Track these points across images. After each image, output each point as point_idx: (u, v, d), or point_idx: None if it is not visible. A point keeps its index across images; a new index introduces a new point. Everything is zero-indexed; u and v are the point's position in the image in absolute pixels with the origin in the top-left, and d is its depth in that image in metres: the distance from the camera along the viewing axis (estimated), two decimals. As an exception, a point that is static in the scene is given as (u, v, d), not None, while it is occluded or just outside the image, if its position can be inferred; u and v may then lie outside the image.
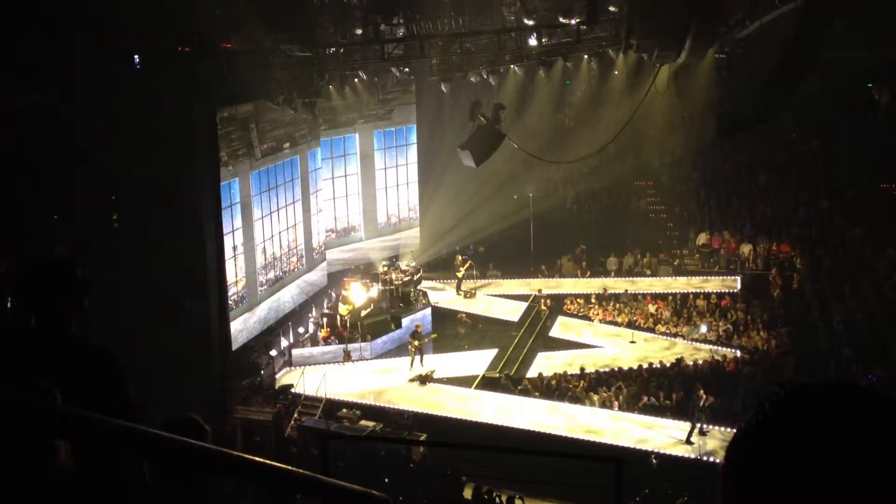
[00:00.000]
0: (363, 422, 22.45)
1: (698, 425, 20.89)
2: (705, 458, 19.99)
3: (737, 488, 1.15)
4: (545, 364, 25.92)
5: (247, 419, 22.80)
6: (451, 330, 28.24)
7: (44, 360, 3.48)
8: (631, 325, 28.21)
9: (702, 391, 21.36)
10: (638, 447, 20.46)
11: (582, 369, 24.68)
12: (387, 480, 18.56)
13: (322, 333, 27.10)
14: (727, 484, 1.16)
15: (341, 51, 25.13)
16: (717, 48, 21.41)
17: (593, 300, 29.85)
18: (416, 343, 25.54)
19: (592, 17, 22.34)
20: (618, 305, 29.34)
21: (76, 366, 3.51)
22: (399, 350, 26.73)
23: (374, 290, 28.07)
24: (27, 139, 17.55)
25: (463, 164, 25.15)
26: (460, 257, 31.65)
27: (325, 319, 27.67)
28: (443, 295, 31.10)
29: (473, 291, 31.28)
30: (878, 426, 1.10)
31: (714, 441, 20.58)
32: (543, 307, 29.73)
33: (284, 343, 27.03)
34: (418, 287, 29.60)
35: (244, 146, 25.00)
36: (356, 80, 28.50)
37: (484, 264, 32.55)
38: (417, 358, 25.53)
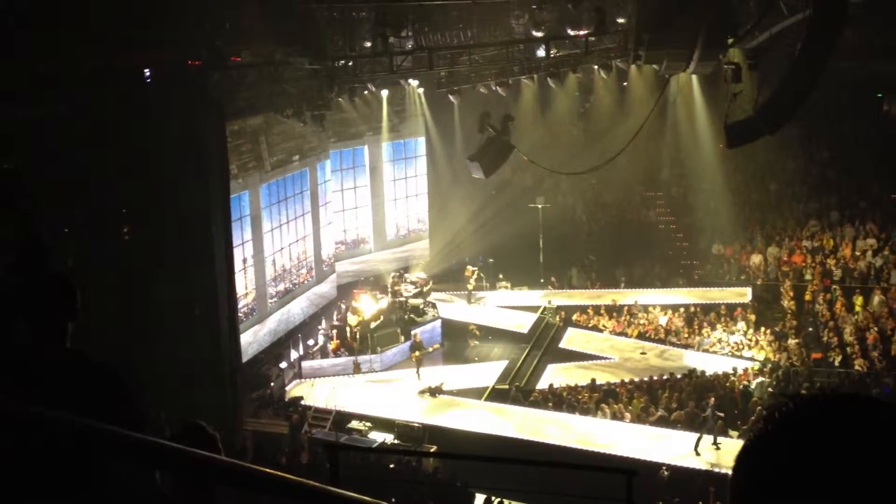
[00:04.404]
0: (373, 434, 22.43)
1: (707, 436, 20.87)
2: (716, 470, 19.88)
3: (746, 499, 1.15)
4: (555, 376, 25.85)
5: (257, 431, 22.83)
6: (462, 341, 28.20)
7: (52, 379, 3.44)
8: (641, 336, 28.12)
9: (712, 399, 21.45)
10: (649, 459, 20.36)
11: (592, 381, 24.59)
12: (397, 493, 18.52)
13: (332, 345, 27.10)
14: (736, 495, 1.16)
15: (350, 63, 25.20)
16: (726, 59, 21.35)
17: (603, 311, 29.76)
18: (416, 354, 25.53)
19: (601, 29, 22.38)
20: (627, 316, 29.25)
21: (83, 382, 3.47)
22: (409, 362, 26.71)
23: (384, 302, 28.04)
24: (38, 153, 17.63)
25: (472, 176, 25.16)
26: (470, 268, 31.60)
27: (334, 331, 27.67)
28: (452, 306, 31.06)
29: (483, 302, 31.24)
30: (889, 438, 1.10)
31: (724, 452, 20.49)
32: (554, 319, 29.64)
33: (294, 355, 27.01)
34: (428, 298, 29.58)
35: (254, 159, 25.07)
36: (365, 92, 28.58)
37: (493, 275, 32.51)
38: (421, 369, 25.56)
